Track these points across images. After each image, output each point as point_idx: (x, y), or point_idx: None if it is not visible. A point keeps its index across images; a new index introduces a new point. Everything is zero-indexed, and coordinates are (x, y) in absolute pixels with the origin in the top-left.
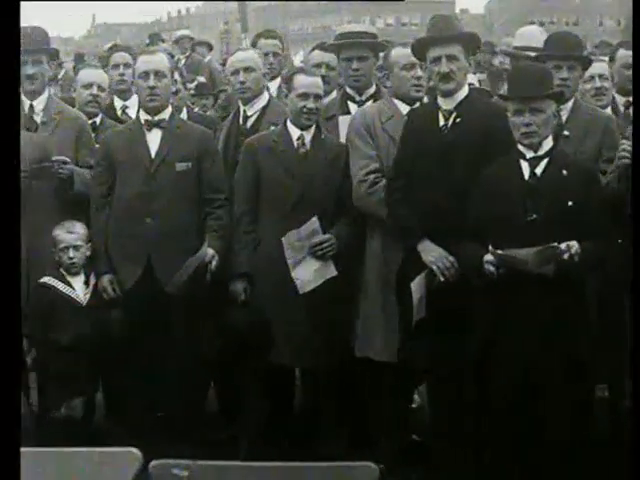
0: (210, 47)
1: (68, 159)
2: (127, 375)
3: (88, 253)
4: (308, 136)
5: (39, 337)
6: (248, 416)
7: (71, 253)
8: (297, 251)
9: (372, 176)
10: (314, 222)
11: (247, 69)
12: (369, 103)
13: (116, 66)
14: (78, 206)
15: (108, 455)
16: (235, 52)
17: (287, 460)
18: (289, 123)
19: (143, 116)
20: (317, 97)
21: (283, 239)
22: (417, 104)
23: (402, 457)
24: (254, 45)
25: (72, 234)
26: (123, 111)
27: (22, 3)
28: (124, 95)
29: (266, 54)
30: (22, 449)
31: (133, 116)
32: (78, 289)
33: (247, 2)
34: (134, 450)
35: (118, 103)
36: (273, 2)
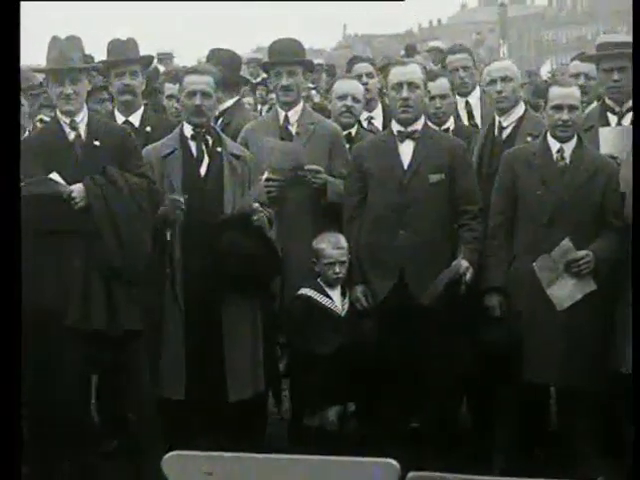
0: None
1: (321, 169)
2: (380, 385)
3: (347, 265)
4: (568, 149)
5: (295, 346)
6: (503, 432)
7: (337, 269)
8: (551, 271)
9: None
10: (566, 244)
11: (504, 78)
12: (629, 115)
13: (358, 76)
14: (331, 215)
15: (365, 465)
16: (492, 62)
17: (541, 476)
18: (549, 136)
19: (396, 127)
20: (572, 108)
21: (534, 264)
22: None
23: None
24: (442, 62)
25: (339, 250)
26: (369, 122)
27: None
28: (369, 106)
29: (455, 69)
30: (272, 455)
31: (378, 126)
32: (336, 300)
33: (506, 10)
34: (392, 461)
35: (363, 114)
36: (530, 12)
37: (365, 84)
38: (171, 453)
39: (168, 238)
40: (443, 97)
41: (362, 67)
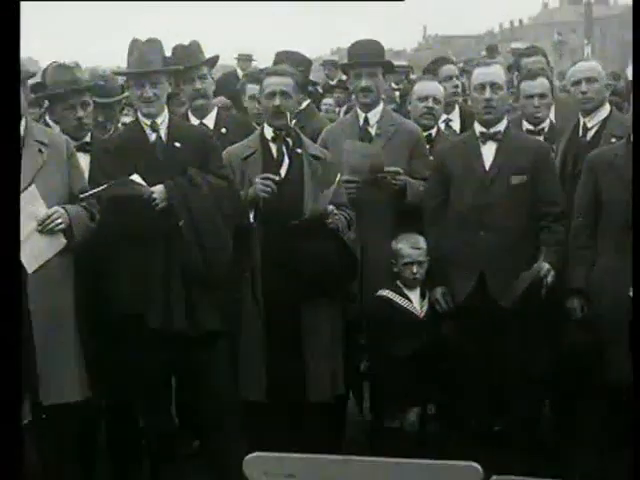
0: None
1: (401, 170)
2: (461, 388)
3: (427, 267)
4: None
5: (376, 348)
6: (585, 434)
7: (415, 269)
8: None
9: None
10: None
11: (589, 79)
12: None
13: (448, 78)
14: (411, 217)
15: (448, 468)
16: (577, 62)
17: None
18: (632, 137)
19: (478, 128)
20: None
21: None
22: None
23: None
24: (516, 63)
25: (417, 250)
26: (447, 124)
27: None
28: (448, 108)
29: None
30: (353, 457)
31: (456, 129)
32: (415, 302)
33: (591, 9)
34: (475, 464)
35: (441, 116)
36: (614, 12)
37: (455, 86)
38: (253, 454)
39: (251, 220)
40: (542, 96)
41: (450, 69)
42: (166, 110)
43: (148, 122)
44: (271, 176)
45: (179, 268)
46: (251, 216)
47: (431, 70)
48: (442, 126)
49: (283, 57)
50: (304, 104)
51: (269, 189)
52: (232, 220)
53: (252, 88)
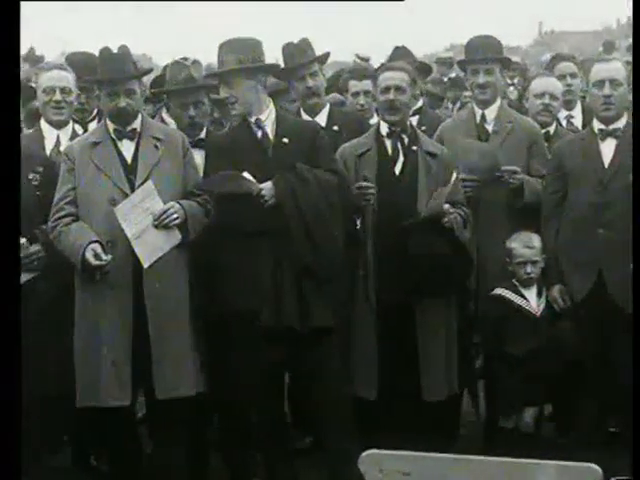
0: None
1: (519, 169)
2: (578, 388)
3: (542, 265)
4: None
5: (490, 347)
6: None
7: (529, 268)
8: None
9: None
10: None
11: None
12: None
13: (562, 76)
14: (528, 215)
15: (567, 470)
16: None
17: None
18: None
19: (597, 125)
20: None
21: None
22: None
23: None
24: None
25: (531, 249)
26: (568, 121)
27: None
28: (569, 105)
29: None
30: (468, 456)
31: (578, 126)
32: (532, 300)
33: None
34: (593, 466)
35: (562, 113)
36: None
37: (569, 85)
38: (369, 452)
39: (358, 226)
40: None
41: (566, 67)
42: (271, 106)
43: (253, 119)
44: (366, 183)
45: (290, 264)
46: (358, 223)
47: (549, 67)
48: (564, 122)
49: (400, 53)
50: (419, 102)
51: (369, 197)
52: (344, 215)
53: (355, 84)
